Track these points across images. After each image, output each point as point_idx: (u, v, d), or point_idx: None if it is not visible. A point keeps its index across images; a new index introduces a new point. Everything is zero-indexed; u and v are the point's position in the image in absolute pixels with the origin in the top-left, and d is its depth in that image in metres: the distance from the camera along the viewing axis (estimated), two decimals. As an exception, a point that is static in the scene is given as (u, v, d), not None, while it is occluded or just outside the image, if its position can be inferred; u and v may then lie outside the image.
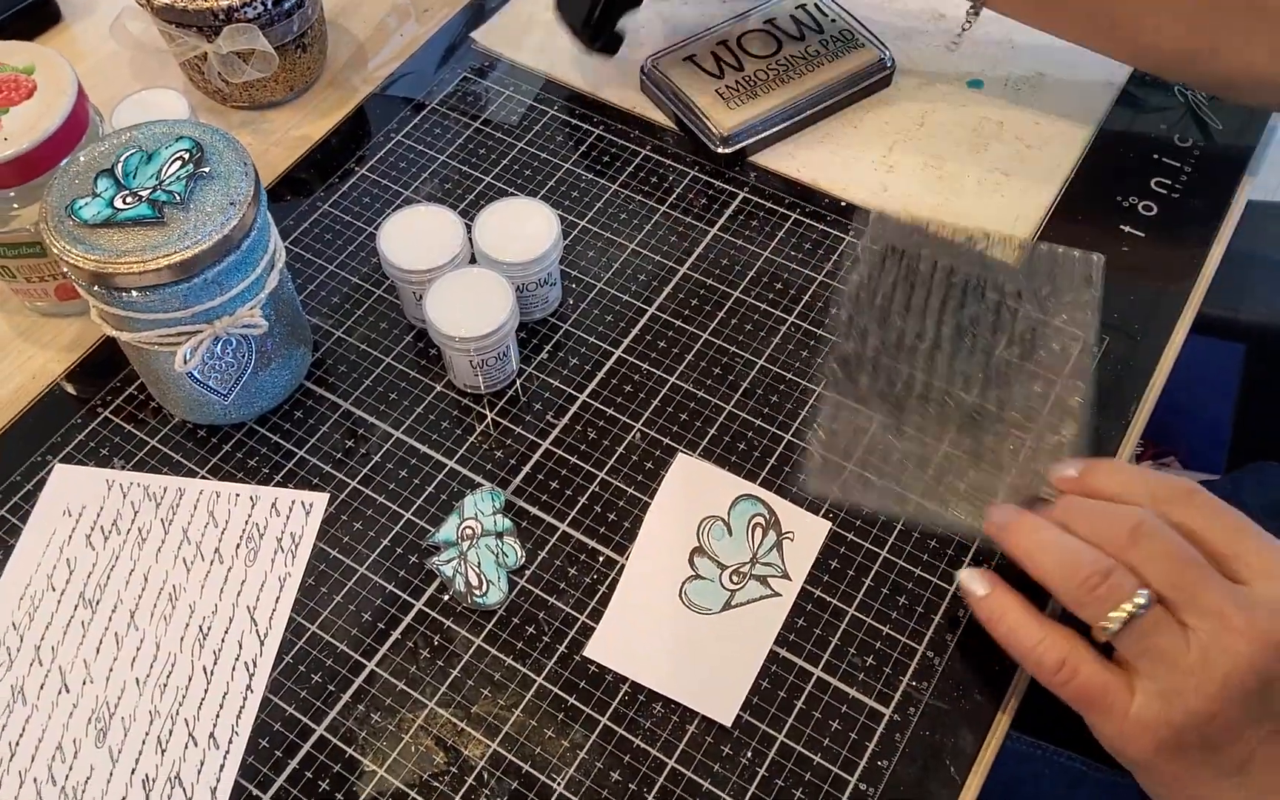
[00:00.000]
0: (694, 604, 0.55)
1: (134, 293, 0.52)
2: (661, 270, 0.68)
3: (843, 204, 0.70)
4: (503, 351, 0.61)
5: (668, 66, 0.75)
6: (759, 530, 0.57)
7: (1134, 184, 0.70)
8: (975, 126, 0.74)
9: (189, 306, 0.53)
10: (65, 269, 0.52)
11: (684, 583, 0.55)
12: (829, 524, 0.57)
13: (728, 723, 0.51)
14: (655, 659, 0.53)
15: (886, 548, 0.56)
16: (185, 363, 0.54)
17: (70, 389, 0.64)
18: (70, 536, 0.58)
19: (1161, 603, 0.44)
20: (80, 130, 0.61)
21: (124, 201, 0.52)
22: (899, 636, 0.53)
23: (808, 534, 0.56)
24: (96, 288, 0.52)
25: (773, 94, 0.73)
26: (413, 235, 0.63)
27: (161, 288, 0.52)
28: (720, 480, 0.59)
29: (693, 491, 0.58)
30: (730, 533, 0.57)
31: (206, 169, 0.54)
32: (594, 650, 0.54)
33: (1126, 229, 0.68)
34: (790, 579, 0.55)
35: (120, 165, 0.54)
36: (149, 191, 0.53)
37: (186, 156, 0.54)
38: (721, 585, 0.55)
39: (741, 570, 0.56)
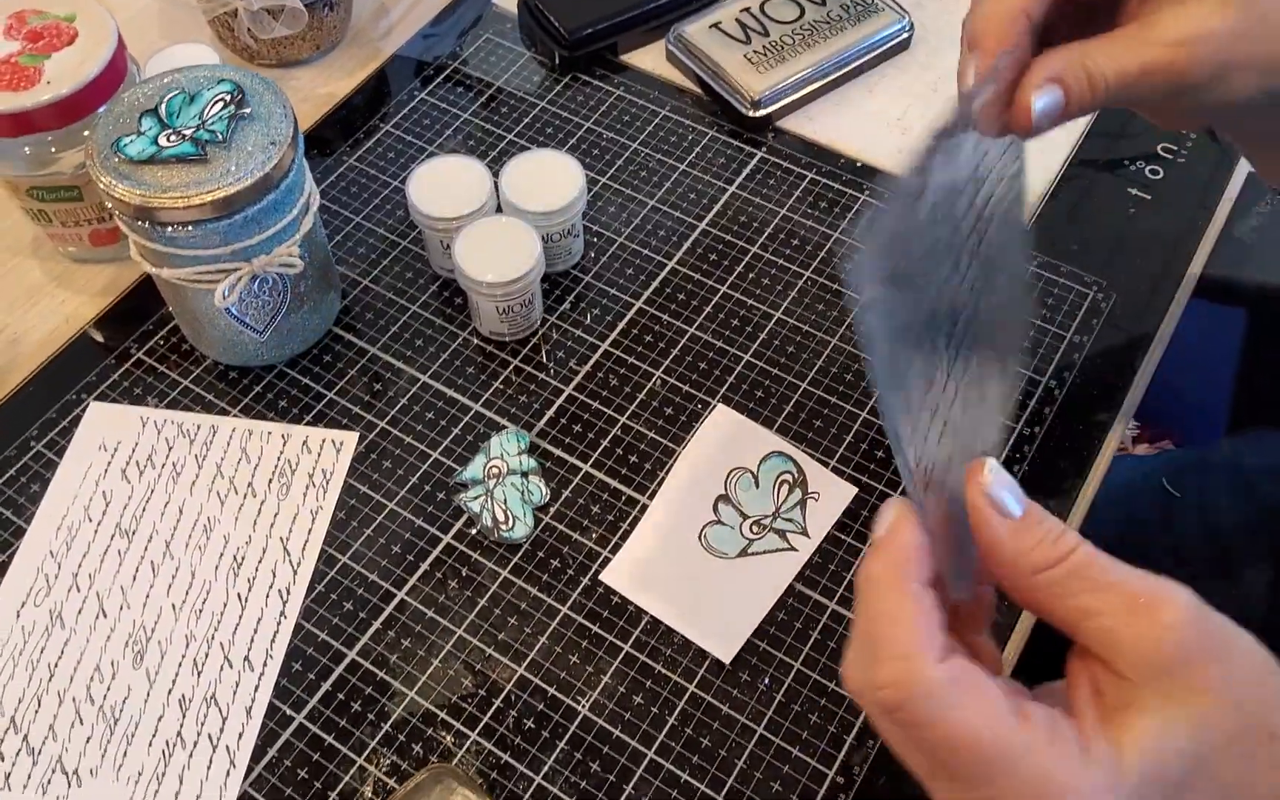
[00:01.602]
0: (712, 547, 0.56)
1: (176, 228, 0.53)
2: (681, 226, 0.69)
3: (858, 164, 0.72)
4: (528, 298, 0.62)
5: (694, 34, 0.76)
6: (785, 487, 0.58)
7: (1141, 148, 0.72)
8: (987, 94, 0.76)
9: (229, 244, 0.54)
10: (110, 204, 0.54)
11: (705, 526, 0.57)
12: (854, 489, 0.58)
13: (727, 661, 0.53)
14: (667, 592, 0.55)
15: (900, 490, 0.58)
16: (225, 299, 0.56)
17: (103, 333, 0.66)
18: (106, 470, 0.60)
19: None
20: (119, 77, 0.62)
21: (168, 140, 0.54)
22: (912, 574, 0.55)
23: (832, 497, 0.58)
24: (140, 222, 0.54)
25: (800, 57, 0.74)
26: (441, 184, 0.64)
27: (203, 223, 0.53)
28: (754, 434, 0.60)
29: (726, 441, 0.60)
30: (757, 485, 0.58)
31: (247, 110, 0.55)
32: (610, 577, 0.55)
33: (1134, 192, 0.70)
34: (809, 537, 0.57)
35: (164, 105, 0.56)
36: (192, 131, 0.54)
37: (228, 99, 0.56)
38: (741, 533, 0.57)
39: (762, 522, 0.57)
